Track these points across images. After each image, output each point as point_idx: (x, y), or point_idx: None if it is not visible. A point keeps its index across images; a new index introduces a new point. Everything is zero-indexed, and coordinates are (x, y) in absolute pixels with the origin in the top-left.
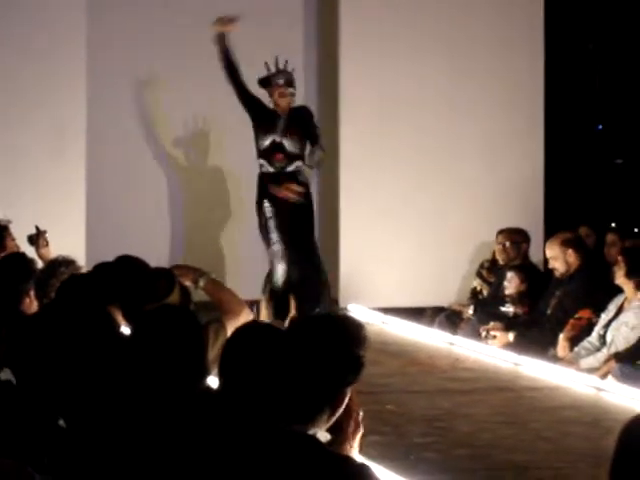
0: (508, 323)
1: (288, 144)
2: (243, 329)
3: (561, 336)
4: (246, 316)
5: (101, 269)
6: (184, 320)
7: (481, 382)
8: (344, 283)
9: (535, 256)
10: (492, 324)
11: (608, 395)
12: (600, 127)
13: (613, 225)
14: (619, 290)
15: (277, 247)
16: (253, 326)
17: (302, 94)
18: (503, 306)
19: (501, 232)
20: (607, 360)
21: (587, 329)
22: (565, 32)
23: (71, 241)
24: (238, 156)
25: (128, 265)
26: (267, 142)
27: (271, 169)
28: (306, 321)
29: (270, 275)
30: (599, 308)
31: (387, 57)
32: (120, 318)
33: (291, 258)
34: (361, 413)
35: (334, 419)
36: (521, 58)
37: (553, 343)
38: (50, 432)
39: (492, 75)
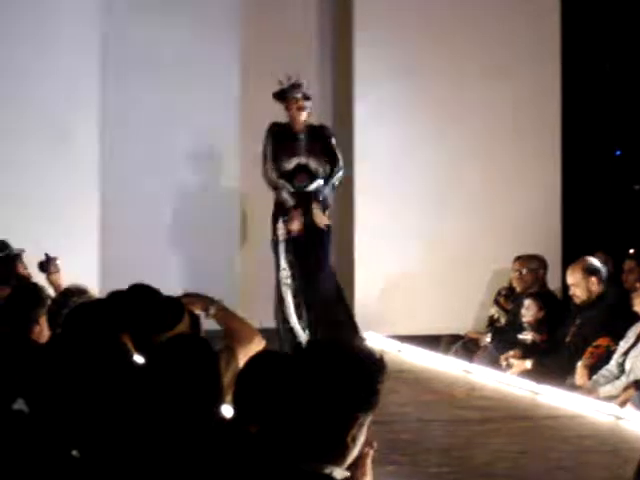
0: (526, 351)
1: (312, 164)
2: (257, 358)
3: (579, 364)
4: (258, 343)
5: (114, 297)
6: (199, 349)
7: (498, 411)
8: (359, 310)
9: (552, 283)
10: (512, 352)
11: (627, 423)
12: (619, 152)
13: (631, 251)
14: (638, 317)
15: (285, 274)
16: (267, 355)
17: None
18: (521, 334)
19: (518, 259)
20: (626, 388)
21: (605, 357)
22: (582, 53)
23: (83, 267)
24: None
25: (140, 294)
26: (291, 165)
27: (291, 189)
28: (320, 350)
29: (280, 305)
30: (618, 336)
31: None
32: (131, 346)
33: (300, 287)
34: (374, 444)
35: (355, 455)
36: (538, 81)
37: (571, 371)
38: (63, 462)
39: (509, 100)
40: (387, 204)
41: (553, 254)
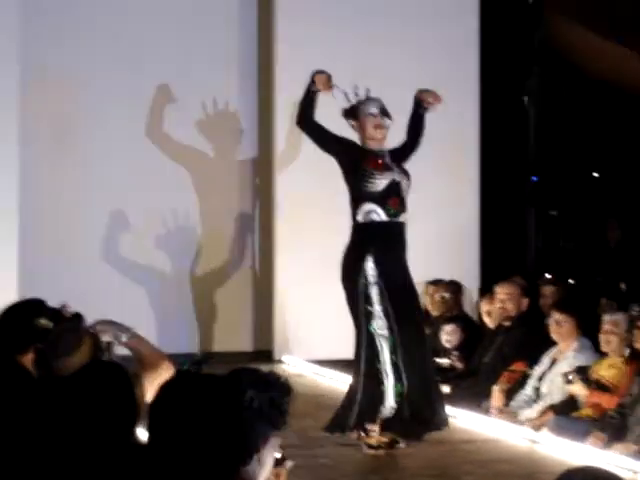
0: (444, 375)
1: (404, 186)
2: (173, 381)
3: (495, 388)
4: (167, 369)
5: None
6: (114, 374)
7: None
8: (278, 335)
9: (467, 307)
10: None
11: (543, 448)
12: (535, 179)
13: (548, 276)
14: (552, 342)
15: (380, 323)
16: (182, 378)
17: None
18: (439, 358)
19: (434, 283)
20: (543, 412)
21: (521, 381)
22: (500, 85)
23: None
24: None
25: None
26: (384, 182)
27: (385, 217)
28: (229, 373)
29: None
30: (534, 360)
31: None
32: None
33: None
34: (290, 464)
35: (264, 476)
36: (456, 109)
37: (488, 395)
38: None
39: (427, 126)
40: (307, 227)
41: (470, 279)
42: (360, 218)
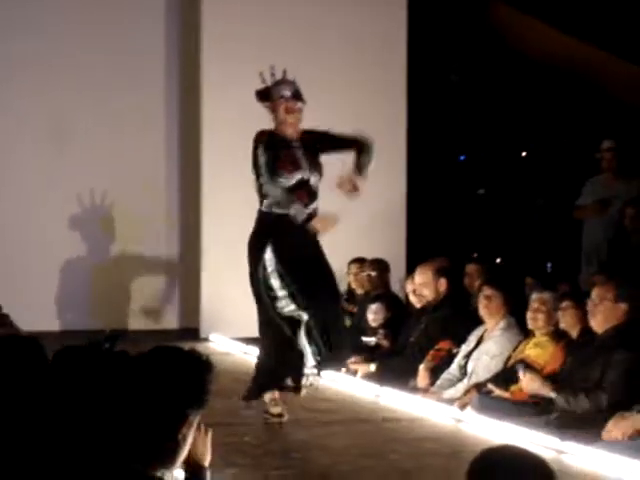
0: (370, 354)
1: (313, 182)
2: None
3: (421, 367)
4: None
5: None
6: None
7: (341, 413)
8: (205, 313)
9: (394, 286)
10: (353, 359)
11: (468, 426)
12: (463, 158)
13: (475, 255)
14: (479, 321)
15: (284, 303)
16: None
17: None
18: (365, 336)
19: (357, 262)
20: (467, 391)
21: (447, 360)
22: (428, 64)
23: None
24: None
25: None
26: (292, 182)
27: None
28: (150, 351)
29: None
30: (460, 339)
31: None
32: None
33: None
34: (210, 433)
35: (185, 453)
36: (383, 88)
37: (414, 374)
38: None
39: (353, 104)
40: (235, 205)
41: (397, 258)
42: (264, 207)
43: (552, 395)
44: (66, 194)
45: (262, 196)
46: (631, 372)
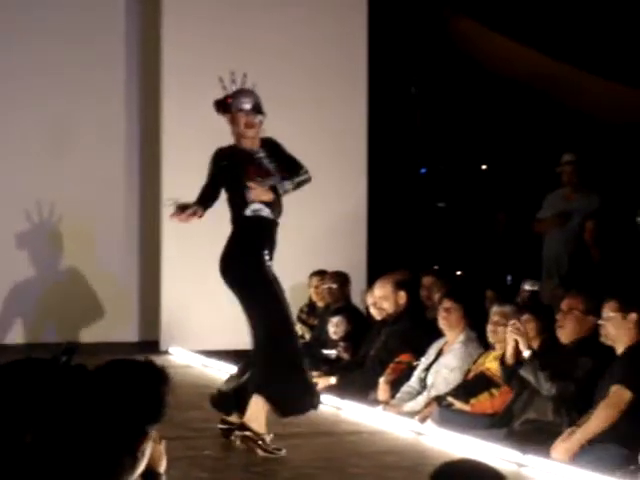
0: (331, 366)
1: (280, 189)
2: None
3: (381, 380)
4: None
5: None
6: None
7: (302, 426)
8: (165, 326)
9: (354, 298)
10: (316, 372)
11: (428, 439)
12: (424, 171)
13: (436, 268)
14: (438, 334)
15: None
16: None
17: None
18: (326, 349)
19: (318, 274)
20: (427, 404)
21: (407, 373)
22: (388, 76)
23: None
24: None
25: None
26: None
27: (271, 216)
28: (105, 367)
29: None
30: (420, 351)
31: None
32: None
33: None
34: (163, 443)
35: (142, 468)
36: (345, 100)
37: (374, 387)
38: None
39: (316, 118)
40: (195, 225)
41: (358, 270)
42: (248, 212)
43: (526, 354)
44: (20, 207)
45: (243, 204)
46: (590, 380)
